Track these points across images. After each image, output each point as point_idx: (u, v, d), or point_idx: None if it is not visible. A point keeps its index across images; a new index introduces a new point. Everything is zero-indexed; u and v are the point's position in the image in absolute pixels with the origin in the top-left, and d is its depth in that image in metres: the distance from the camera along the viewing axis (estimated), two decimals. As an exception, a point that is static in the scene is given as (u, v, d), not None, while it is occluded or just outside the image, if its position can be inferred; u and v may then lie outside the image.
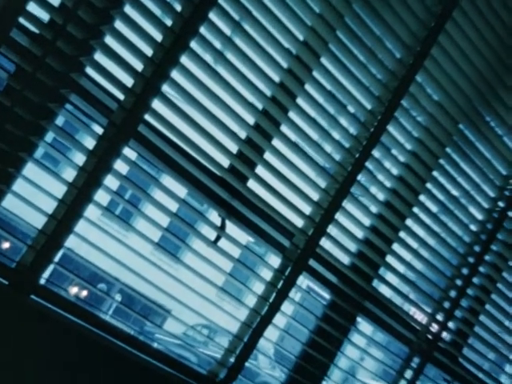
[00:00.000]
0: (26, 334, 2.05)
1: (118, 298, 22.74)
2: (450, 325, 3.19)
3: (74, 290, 21.25)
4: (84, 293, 21.62)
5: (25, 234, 17.73)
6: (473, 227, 3.23)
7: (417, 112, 2.89)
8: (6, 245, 18.18)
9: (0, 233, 2.08)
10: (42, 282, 2.13)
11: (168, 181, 20.85)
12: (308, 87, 2.68)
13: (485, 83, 3.04)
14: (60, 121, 17.89)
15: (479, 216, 3.31)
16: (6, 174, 2.03)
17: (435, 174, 3.01)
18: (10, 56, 1.96)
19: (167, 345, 17.03)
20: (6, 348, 2.02)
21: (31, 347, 2.06)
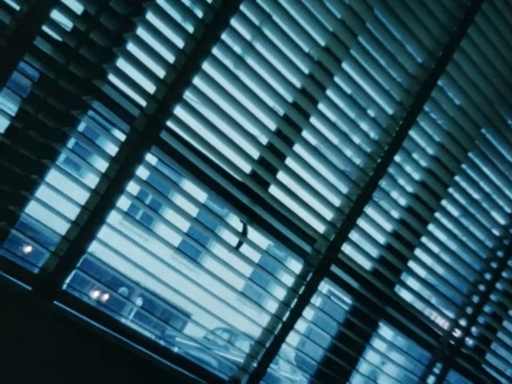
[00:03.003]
0: (48, 339, 2.06)
1: (139, 302, 22.80)
2: (473, 330, 3.17)
3: (95, 294, 21.33)
4: (105, 297, 21.69)
5: (48, 240, 17.82)
6: (495, 232, 3.20)
7: (438, 116, 2.88)
8: (28, 249, 18.28)
9: (23, 239, 2.10)
10: (65, 287, 2.14)
11: (189, 186, 20.90)
12: (329, 92, 2.69)
13: (507, 87, 3.02)
14: (82, 127, 17.98)
15: (501, 220, 3.31)
16: (30, 180, 2.05)
17: (457, 178, 2.99)
18: (34, 64, 1.98)
19: (188, 349, 17.02)
20: (29, 354, 2.03)
21: (54, 353, 2.08)
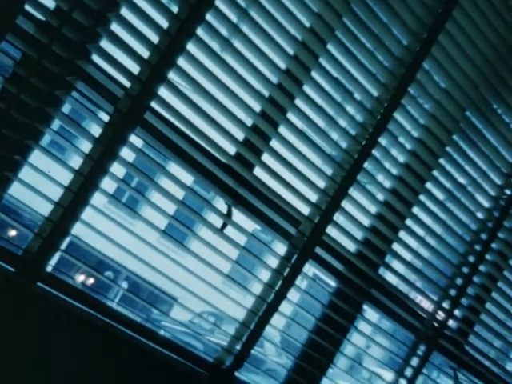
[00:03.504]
0: (32, 321, 2.06)
1: (125, 285, 22.81)
2: (456, 312, 3.18)
3: (80, 277, 21.31)
4: (90, 280, 21.68)
5: (31, 222, 17.76)
6: (480, 215, 3.22)
7: (424, 99, 2.88)
8: (13, 233, 18.22)
9: (7, 220, 2.08)
10: (49, 269, 2.14)
11: (174, 168, 20.86)
12: (314, 74, 2.68)
13: (492, 70, 3.02)
14: (66, 108, 17.90)
15: (486, 204, 3.31)
16: (12, 161, 2.03)
17: (442, 161, 3.00)
18: (16, 43, 1.96)
19: (173, 332, 17.08)
20: (12, 334, 2.03)
21: (37, 334, 2.07)
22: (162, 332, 17.46)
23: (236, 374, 2.57)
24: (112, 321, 2.26)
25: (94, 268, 2.30)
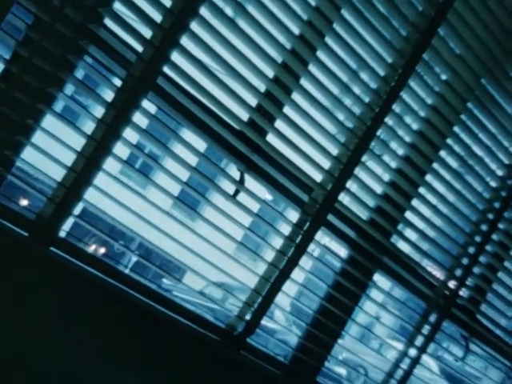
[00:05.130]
0: (45, 284, 2.07)
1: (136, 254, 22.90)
2: (468, 281, 3.18)
3: (93, 245, 21.40)
4: (103, 248, 21.78)
5: (44, 187, 17.81)
6: (493, 183, 3.20)
7: (438, 66, 2.84)
8: (25, 202, 18.26)
9: (20, 185, 2.09)
10: (62, 234, 2.14)
11: (187, 135, 20.81)
12: (329, 40, 2.66)
13: (508, 36, 2.98)
14: (79, 73, 17.85)
15: (500, 172, 3.28)
16: (25, 125, 2.03)
17: (456, 129, 2.97)
18: (29, 7, 1.94)
19: (185, 302, 17.15)
20: (25, 298, 2.04)
21: (49, 298, 2.08)
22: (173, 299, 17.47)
23: (247, 340, 2.58)
24: (124, 286, 2.27)
25: (106, 233, 2.30)
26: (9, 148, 2.01)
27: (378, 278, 3.03)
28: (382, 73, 2.66)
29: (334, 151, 2.65)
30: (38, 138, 2.13)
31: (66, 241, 2.14)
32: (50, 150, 2.01)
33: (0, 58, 1.90)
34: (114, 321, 2.22)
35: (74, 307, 2.13)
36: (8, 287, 2.00)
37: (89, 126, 18.75)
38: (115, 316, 2.22)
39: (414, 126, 2.85)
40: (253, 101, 2.41)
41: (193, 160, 20.75)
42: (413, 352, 3.11)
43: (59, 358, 2.14)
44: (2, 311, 2.00)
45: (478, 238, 3.18)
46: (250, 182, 2.53)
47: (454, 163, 3.02)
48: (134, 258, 23.29)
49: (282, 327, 3.02)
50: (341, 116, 2.64)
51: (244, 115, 2.45)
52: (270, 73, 2.47)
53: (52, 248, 2.10)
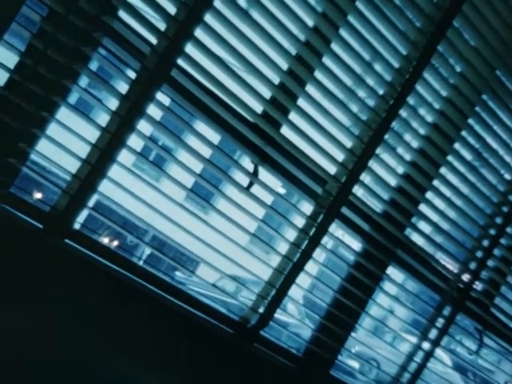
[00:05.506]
0: (59, 276, 2.08)
1: (149, 249, 22.94)
2: (483, 274, 3.17)
3: (106, 238, 21.48)
4: (116, 241, 21.86)
5: (58, 180, 17.89)
6: (508, 176, 3.18)
7: (453, 58, 2.83)
8: (39, 195, 18.32)
9: (34, 178, 2.09)
10: (77, 226, 2.15)
11: (201, 127, 20.84)
12: (343, 32, 2.64)
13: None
14: (93, 66, 17.88)
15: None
16: (40, 118, 2.03)
17: (470, 121, 2.96)
18: (43, -1, 1.95)
19: (197, 295, 17.15)
20: (40, 290, 2.05)
21: (64, 290, 2.09)
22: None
23: (261, 332, 2.58)
24: (138, 278, 2.27)
25: (120, 225, 2.31)
26: (23, 140, 2.02)
27: (391, 270, 3.02)
28: (396, 65, 2.65)
29: (348, 143, 2.65)
30: (52, 130, 2.14)
31: (81, 233, 2.14)
32: (64, 142, 2.02)
33: (15, 51, 1.91)
34: (127, 312, 2.22)
35: (86, 298, 2.14)
36: (23, 279, 2.01)
37: (103, 119, 18.80)
38: (129, 308, 2.22)
39: (429, 118, 2.84)
40: (267, 93, 2.41)
41: (206, 152, 20.75)
42: (426, 345, 3.10)
43: (72, 350, 2.15)
44: (16, 303, 2.01)
45: (492, 231, 3.17)
46: (264, 175, 2.53)
47: (468, 155, 3.00)
48: (148, 251, 23.36)
49: (296, 320, 3.02)
50: (355, 108, 2.63)
51: (258, 107, 2.44)
52: (284, 65, 2.46)
53: (66, 240, 2.11)
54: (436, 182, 2.93)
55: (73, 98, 19.32)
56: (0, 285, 1.98)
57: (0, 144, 1.99)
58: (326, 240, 2.60)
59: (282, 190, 21.71)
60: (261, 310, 2.57)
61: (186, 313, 2.35)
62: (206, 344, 2.41)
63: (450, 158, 2.93)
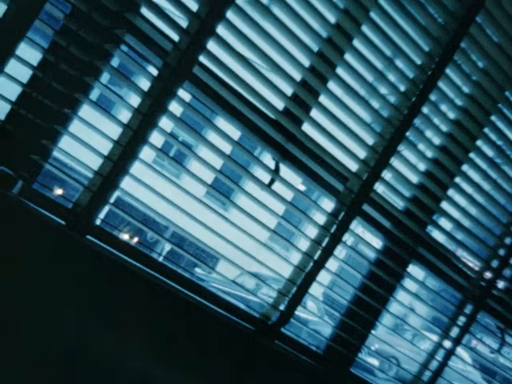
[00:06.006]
0: (81, 272, 2.09)
1: (168, 245, 23.00)
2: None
3: (127, 232, 21.57)
4: (137, 236, 21.94)
5: (80, 176, 18.00)
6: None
7: (476, 54, 2.81)
8: (59, 191, 18.44)
9: (56, 175, 2.10)
10: (98, 222, 2.16)
11: (222, 123, 20.87)
12: (364, 29, 2.62)
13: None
14: (115, 62, 17.97)
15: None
16: (62, 115, 2.04)
17: (493, 118, 2.94)
18: (66, -4, 1.96)
19: (217, 292, 17.20)
20: (63, 286, 2.06)
21: (86, 286, 2.10)
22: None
23: (282, 329, 2.58)
24: (159, 275, 2.28)
25: (141, 221, 2.32)
26: (46, 137, 2.03)
27: (411, 268, 3.01)
28: (418, 61, 2.63)
29: (370, 140, 2.65)
30: (74, 127, 2.15)
31: (103, 229, 2.16)
32: (86, 139, 2.03)
33: (38, 48, 1.92)
34: (148, 308, 2.23)
35: (108, 294, 2.15)
36: (46, 275, 2.02)
37: (124, 115, 18.91)
38: (149, 304, 2.23)
39: (451, 115, 2.83)
40: (288, 90, 2.41)
41: (227, 148, 20.81)
42: (447, 343, 3.09)
43: (92, 343, 2.16)
44: (39, 299, 2.03)
45: (514, 229, 3.15)
46: (285, 171, 2.53)
47: (490, 152, 2.99)
48: (167, 248, 23.45)
49: (317, 317, 3.02)
50: (376, 105, 2.63)
51: (279, 104, 2.44)
52: (306, 62, 2.46)
53: (88, 236, 2.12)
54: (458, 179, 2.92)
55: (94, 95, 19.44)
56: (24, 280, 1.99)
57: (23, 141, 2.00)
58: (346, 237, 2.59)
59: (302, 187, 21.72)
60: (281, 308, 2.57)
61: (206, 310, 2.35)
62: (226, 341, 2.41)
63: (472, 154, 2.92)
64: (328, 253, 2.59)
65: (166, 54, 2.14)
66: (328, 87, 2.47)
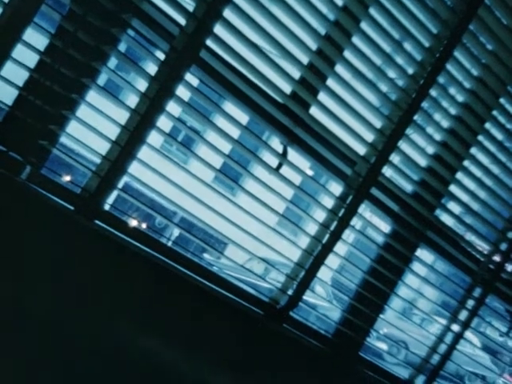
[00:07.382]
0: (89, 257, 2.09)
1: (177, 231, 23.03)
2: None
3: (135, 219, 21.60)
4: (145, 222, 21.97)
5: (88, 162, 18.01)
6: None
7: (484, 37, 2.79)
8: (67, 178, 18.47)
9: (64, 160, 2.11)
10: (106, 207, 2.16)
11: (230, 107, 20.82)
12: (372, 11, 2.61)
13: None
14: (122, 47, 17.94)
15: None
16: (70, 100, 2.04)
17: (502, 100, 2.92)
18: (72, -20, 1.95)
19: (227, 274, 17.19)
20: (71, 270, 2.06)
21: (94, 270, 2.11)
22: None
23: (290, 313, 2.59)
24: (168, 259, 2.28)
25: (149, 206, 2.32)
26: (54, 122, 2.03)
27: (420, 252, 3.01)
28: (426, 44, 2.62)
29: (378, 124, 2.63)
30: (82, 112, 2.15)
31: (111, 214, 2.16)
32: (94, 124, 2.03)
33: (45, 33, 1.91)
34: (157, 293, 2.24)
35: (116, 278, 2.15)
36: (54, 260, 2.03)
37: (132, 100, 18.87)
38: (158, 288, 2.24)
39: (459, 98, 2.81)
40: (296, 73, 2.39)
41: (235, 133, 20.75)
42: (456, 327, 3.09)
43: (102, 329, 2.17)
44: (48, 283, 2.03)
45: (523, 212, 3.14)
46: (293, 155, 2.53)
47: (499, 135, 2.97)
48: (176, 234, 23.46)
49: (326, 301, 3.02)
50: (384, 88, 2.61)
51: (287, 88, 2.43)
52: (313, 45, 2.44)
53: (97, 221, 2.13)
54: (466, 162, 2.90)
55: (101, 80, 19.40)
56: (33, 265, 2.00)
57: (31, 126, 2.00)
58: (355, 221, 2.59)
59: (310, 172, 21.67)
60: (290, 292, 2.57)
61: (216, 294, 2.36)
62: (235, 325, 2.42)
63: (480, 137, 2.90)
64: (336, 237, 2.59)
65: (172, 38, 2.13)
66: (336, 70, 2.46)
